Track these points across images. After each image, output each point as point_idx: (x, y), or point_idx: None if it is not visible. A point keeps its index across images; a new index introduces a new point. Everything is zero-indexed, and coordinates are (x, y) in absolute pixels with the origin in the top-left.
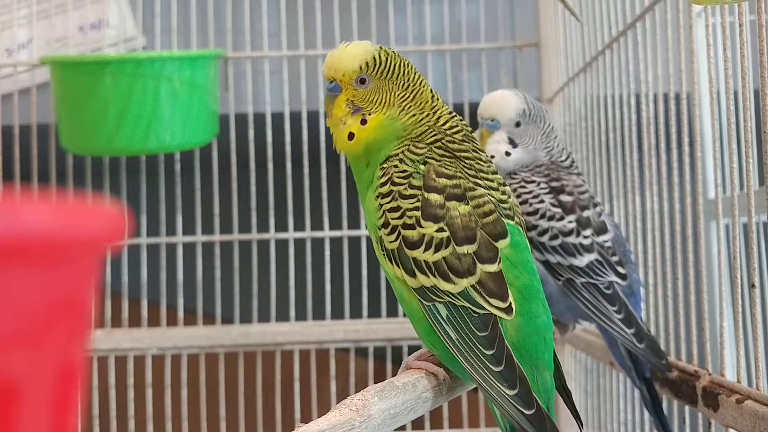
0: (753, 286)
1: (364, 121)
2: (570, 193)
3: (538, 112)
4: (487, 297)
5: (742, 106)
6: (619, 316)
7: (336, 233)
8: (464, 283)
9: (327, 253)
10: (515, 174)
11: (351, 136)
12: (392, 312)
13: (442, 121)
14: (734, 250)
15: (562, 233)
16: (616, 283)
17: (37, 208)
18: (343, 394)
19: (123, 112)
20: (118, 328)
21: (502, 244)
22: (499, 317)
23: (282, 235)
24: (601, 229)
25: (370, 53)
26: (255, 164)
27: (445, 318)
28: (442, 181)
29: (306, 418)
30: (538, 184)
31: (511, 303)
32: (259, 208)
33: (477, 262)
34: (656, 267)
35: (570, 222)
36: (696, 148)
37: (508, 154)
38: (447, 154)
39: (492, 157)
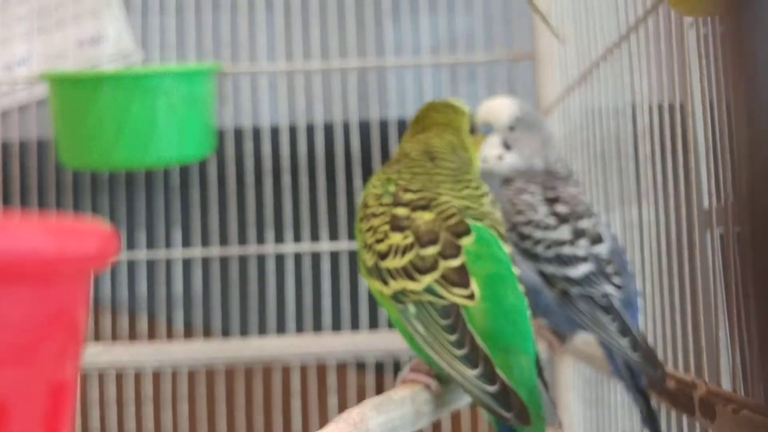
0: (747, 295)
1: None
2: (565, 203)
3: (535, 120)
4: (449, 288)
5: (735, 116)
6: (614, 327)
7: (334, 246)
8: (428, 279)
9: (326, 266)
10: (511, 183)
11: None
12: (391, 325)
13: (407, 148)
14: (729, 259)
15: (557, 243)
16: (612, 293)
17: (28, 228)
18: (342, 408)
19: (121, 126)
20: (116, 343)
21: (465, 241)
22: (463, 305)
23: (280, 249)
24: (597, 240)
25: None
26: (253, 178)
27: (414, 315)
28: (409, 196)
29: None
30: (534, 194)
31: (473, 291)
32: (256, 222)
33: (440, 259)
34: (653, 276)
35: (565, 232)
36: (690, 158)
37: (500, 157)
38: (410, 173)
39: (485, 161)
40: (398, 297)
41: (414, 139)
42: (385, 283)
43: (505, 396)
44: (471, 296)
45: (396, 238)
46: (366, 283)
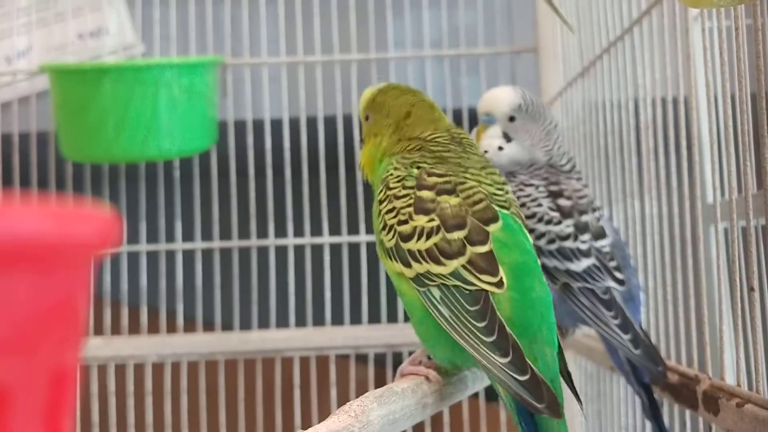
0: (752, 289)
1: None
2: (568, 197)
3: (537, 109)
4: (477, 274)
5: (740, 110)
6: (616, 322)
7: (335, 239)
8: (454, 264)
9: (326, 259)
10: (514, 176)
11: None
12: (392, 318)
13: (418, 132)
14: (733, 253)
15: (560, 237)
16: (614, 288)
17: (28, 213)
18: (343, 401)
19: (122, 119)
20: (117, 336)
21: (492, 228)
22: (491, 292)
23: (281, 242)
24: (600, 234)
25: (370, 94)
26: (254, 171)
27: (438, 299)
28: (433, 179)
29: (306, 425)
30: (537, 187)
31: (502, 278)
32: (258, 215)
33: (467, 245)
34: (656, 271)
35: (567, 226)
36: (694, 152)
37: (500, 148)
38: (436, 157)
39: (485, 152)
40: (420, 280)
41: (423, 125)
42: (407, 265)
43: (536, 386)
44: (499, 283)
45: (421, 221)
46: (366, 276)
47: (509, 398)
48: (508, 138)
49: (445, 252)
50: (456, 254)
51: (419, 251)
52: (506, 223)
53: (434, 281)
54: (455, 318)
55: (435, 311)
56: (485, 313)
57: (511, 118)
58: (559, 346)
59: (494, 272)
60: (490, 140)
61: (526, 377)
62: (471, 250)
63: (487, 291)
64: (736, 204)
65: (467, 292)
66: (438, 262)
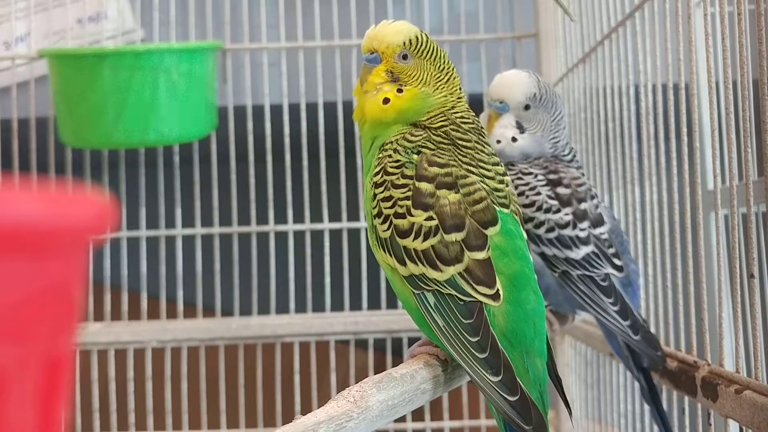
0: (752, 276)
1: (400, 90)
2: (567, 186)
3: (551, 98)
4: (473, 284)
5: (741, 96)
6: (615, 308)
7: (335, 225)
8: (451, 270)
9: (326, 245)
10: (513, 165)
11: (386, 101)
12: (392, 303)
13: (456, 109)
14: (733, 240)
15: (559, 225)
16: (613, 275)
17: (22, 198)
18: (343, 386)
19: (121, 104)
20: (117, 322)
21: (491, 231)
22: (486, 304)
23: (281, 228)
24: (598, 222)
25: (414, 32)
26: (254, 156)
27: (433, 306)
28: (434, 169)
29: (306, 410)
30: (536, 176)
31: (498, 290)
32: (258, 201)
33: (465, 249)
34: (655, 258)
35: (566, 214)
36: (695, 139)
37: (514, 140)
38: (445, 141)
39: (498, 141)
40: (415, 281)
41: (460, 93)
42: (401, 262)
43: (525, 407)
44: (495, 296)
45: (419, 218)
46: (365, 262)
47: (498, 414)
48: (521, 128)
49: (442, 256)
50: (453, 260)
51: (416, 251)
52: (505, 227)
53: (429, 286)
54: (448, 328)
55: (429, 317)
56: (478, 328)
57: (526, 107)
58: (550, 353)
59: (491, 284)
60: (504, 130)
61: (516, 398)
62: (469, 256)
63: (482, 303)
64: (736, 191)
65: (462, 302)
66: (435, 267)
